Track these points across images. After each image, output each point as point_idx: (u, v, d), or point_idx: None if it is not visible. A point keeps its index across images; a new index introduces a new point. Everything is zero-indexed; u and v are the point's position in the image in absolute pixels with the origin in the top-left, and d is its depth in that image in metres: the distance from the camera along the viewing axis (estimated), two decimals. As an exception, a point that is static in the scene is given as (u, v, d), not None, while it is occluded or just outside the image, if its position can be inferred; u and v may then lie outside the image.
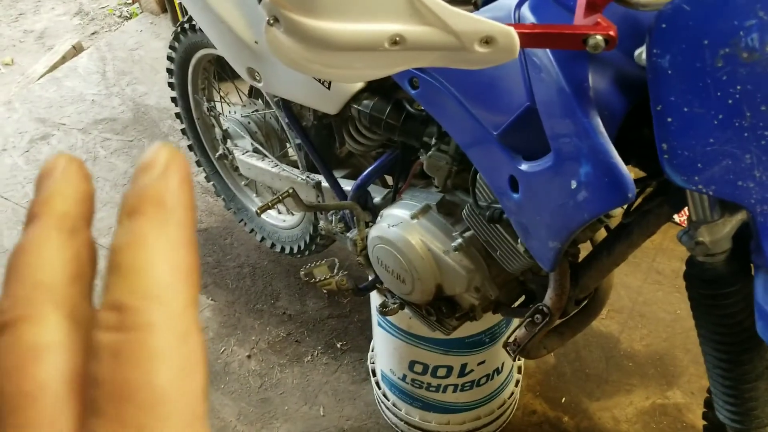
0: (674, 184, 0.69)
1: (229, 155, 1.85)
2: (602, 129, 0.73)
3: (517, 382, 1.59)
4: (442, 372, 1.41)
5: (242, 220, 2.00)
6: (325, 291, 1.83)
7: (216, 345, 1.84)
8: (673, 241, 0.79)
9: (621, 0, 0.70)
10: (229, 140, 1.82)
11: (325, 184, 1.43)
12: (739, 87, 0.62)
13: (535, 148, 0.82)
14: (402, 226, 1.13)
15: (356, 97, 1.19)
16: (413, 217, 1.12)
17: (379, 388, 1.60)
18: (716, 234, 0.75)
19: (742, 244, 0.76)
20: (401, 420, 1.57)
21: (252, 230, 1.98)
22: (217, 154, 1.84)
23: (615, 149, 0.73)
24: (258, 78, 1.32)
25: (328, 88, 1.21)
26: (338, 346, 1.82)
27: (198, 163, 2.02)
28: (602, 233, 0.99)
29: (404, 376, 1.46)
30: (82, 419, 0.20)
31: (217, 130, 1.87)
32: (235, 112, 1.77)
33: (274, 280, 2.00)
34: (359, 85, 1.19)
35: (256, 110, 1.74)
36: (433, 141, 1.08)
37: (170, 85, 1.89)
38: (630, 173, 0.73)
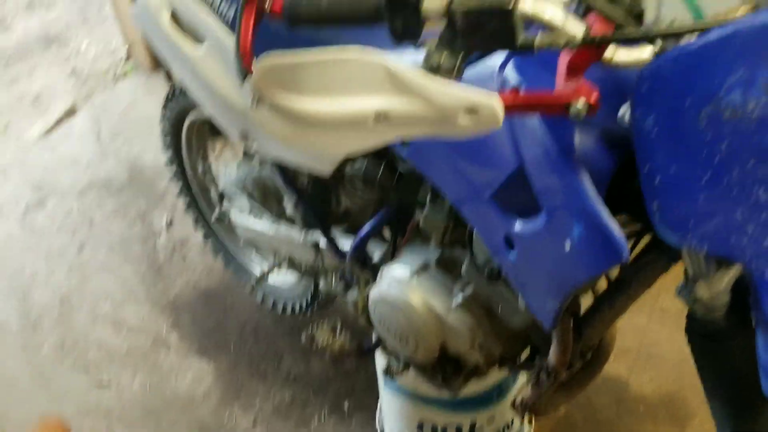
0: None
1: (226, 217, 1.85)
2: (591, 190, 0.73)
3: (528, 433, 1.56)
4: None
5: (242, 279, 1.99)
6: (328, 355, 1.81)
7: (220, 412, 1.80)
8: (676, 279, 0.80)
9: (601, 60, 0.71)
10: (225, 200, 1.82)
11: (323, 244, 1.42)
12: (724, 145, 0.62)
13: (529, 206, 0.82)
14: (402, 286, 1.12)
15: (349, 159, 1.20)
16: (413, 275, 1.12)
17: (389, 449, 1.57)
18: (714, 289, 0.74)
19: (740, 296, 0.76)
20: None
21: (252, 289, 1.97)
22: (214, 217, 1.84)
23: (605, 209, 0.73)
24: (250, 141, 1.32)
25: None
26: (345, 407, 1.78)
27: (197, 221, 2.02)
28: (603, 283, 0.99)
29: (413, 436, 1.43)
30: None
31: (212, 191, 1.87)
32: (230, 174, 1.77)
33: (277, 340, 1.97)
34: (351, 147, 1.20)
35: (252, 169, 1.74)
36: (428, 199, 1.08)
37: (164, 145, 1.89)
38: (622, 231, 0.73)
